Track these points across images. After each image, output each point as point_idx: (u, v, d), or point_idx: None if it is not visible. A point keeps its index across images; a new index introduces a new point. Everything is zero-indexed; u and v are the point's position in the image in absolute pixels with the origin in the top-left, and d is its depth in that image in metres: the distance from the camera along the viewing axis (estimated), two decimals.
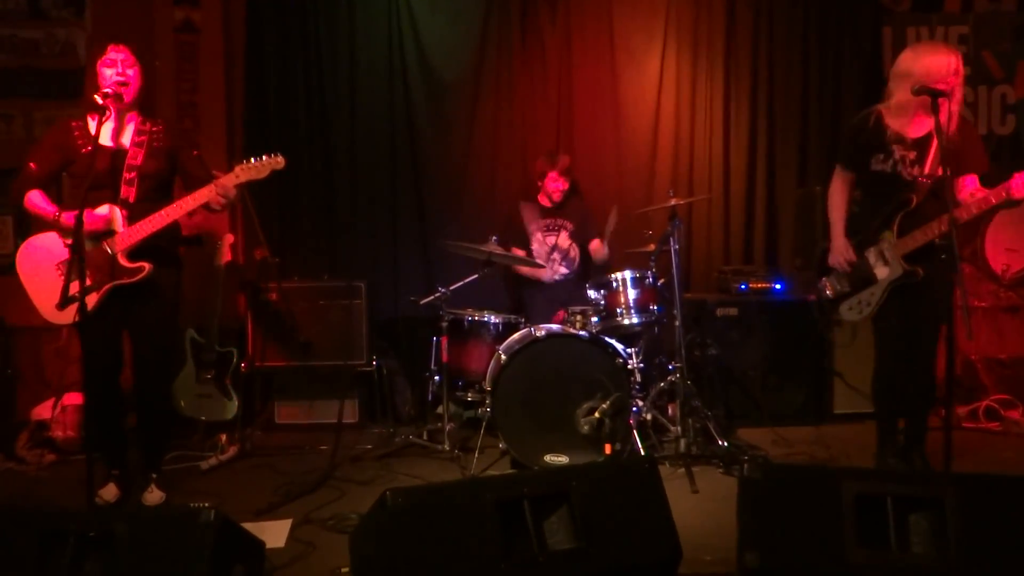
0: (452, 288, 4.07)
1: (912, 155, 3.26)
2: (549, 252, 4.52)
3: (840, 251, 3.43)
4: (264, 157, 3.22)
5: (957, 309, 3.11)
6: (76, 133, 3.23)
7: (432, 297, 4.07)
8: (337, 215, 4.98)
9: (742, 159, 5.06)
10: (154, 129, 3.31)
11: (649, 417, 3.89)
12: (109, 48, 3.19)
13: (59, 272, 3.16)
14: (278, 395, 4.65)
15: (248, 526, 2.70)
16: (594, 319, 3.92)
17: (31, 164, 3.25)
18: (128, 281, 3.16)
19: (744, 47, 5.03)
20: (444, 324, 4.03)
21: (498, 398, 3.63)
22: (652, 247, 4.06)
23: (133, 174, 3.20)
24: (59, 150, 3.24)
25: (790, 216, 5.04)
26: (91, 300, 3.08)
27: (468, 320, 4.09)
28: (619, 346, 3.83)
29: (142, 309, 3.26)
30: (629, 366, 3.76)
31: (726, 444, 3.79)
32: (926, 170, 3.23)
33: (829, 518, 2.05)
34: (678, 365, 3.85)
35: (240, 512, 3.08)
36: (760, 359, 4.49)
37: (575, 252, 4.63)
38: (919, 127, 3.27)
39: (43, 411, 4.24)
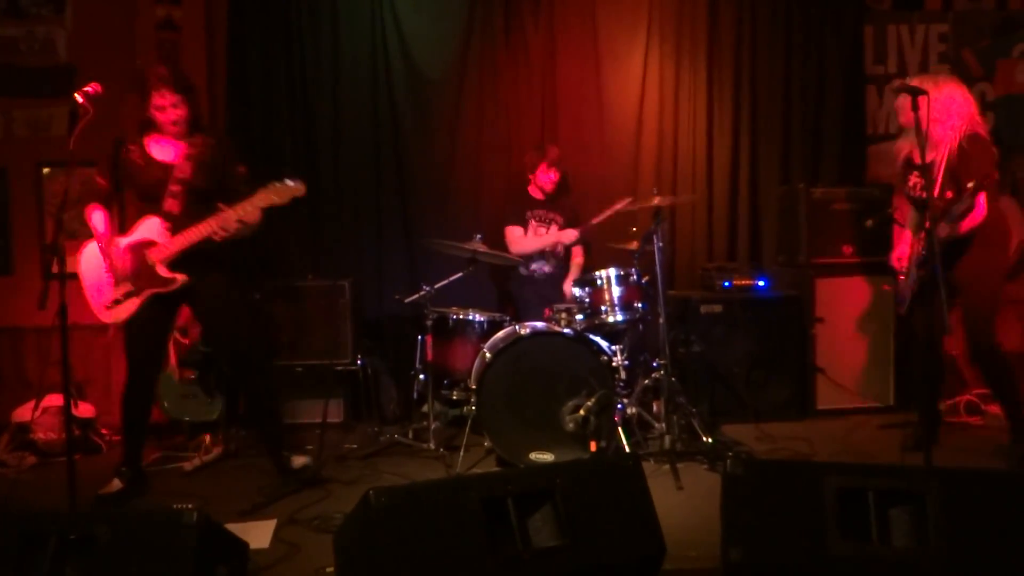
0: (437, 286, 4.07)
1: (921, 180, 3.51)
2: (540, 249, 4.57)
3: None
4: (287, 181, 3.32)
5: (939, 307, 3.16)
6: (131, 145, 3.37)
7: (417, 295, 4.06)
8: (321, 213, 4.96)
9: (725, 156, 5.08)
10: (205, 143, 3.44)
11: (634, 414, 3.90)
12: (153, 95, 3.31)
13: (110, 275, 3.36)
14: None
15: (232, 527, 2.68)
16: (579, 317, 3.93)
17: (99, 179, 3.42)
18: (163, 290, 3.34)
19: (727, 45, 5.05)
20: (429, 322, 4.03)
21: (483, 396, 3.63)
22: (636, 244, 4.08)
23: (179, 187, 3.34)
24: (113, 163, 3.37)
25: (773, 213, 5.06)
26: (132, 305, 3.35)
27: (453, 318, 4.09)
28: (604, 343, 3.84)
29: (201, 313, 3.57)
30: (614, 363, 3.77)
31: (710, 440, 3.80)
32: (935, 192, 3.48)
33: (811, 512, 2.06)
34: (663, 362, 3.86)
35: (224, 513, 3.06)
36: (744, 356, 4.51)
37: (561, 248, 4.66)
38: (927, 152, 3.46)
39: (24, 413, 4.19)
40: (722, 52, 5.05)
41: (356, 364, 4.53)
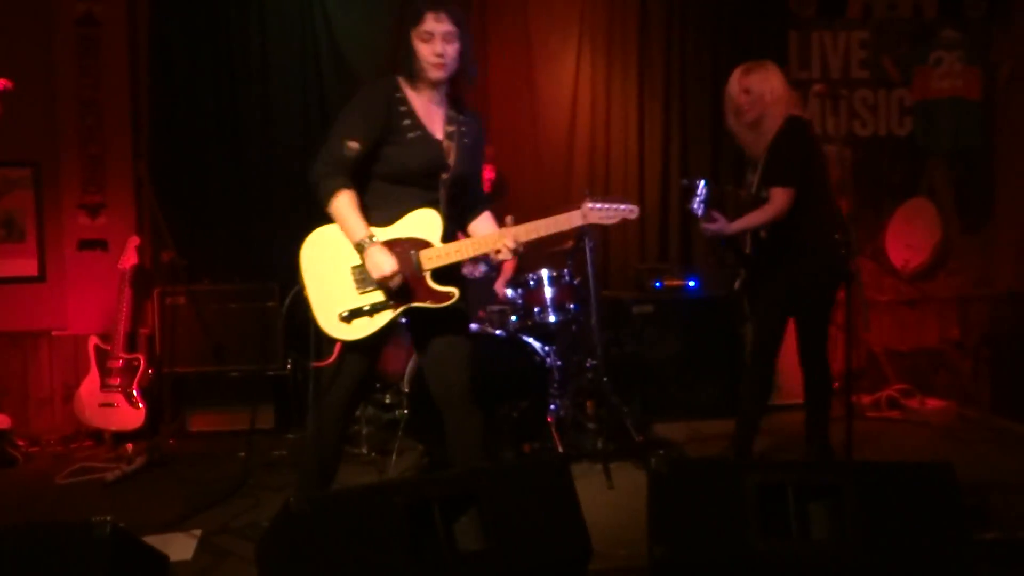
0: None
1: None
2: None
3: None
4: (620, 205, 2.54)
5: (857, 302, 3.26)
6: (400, 107, 2.49)
7: None
8: (250, 214, 4.84)
9: (656, 158, 5.15)
10: (463, 119, 2.61)
11: (567, 414, 3.92)
12: (427, 16, 2.47)
13: (353, 277, 2.51)
14: (190, 402, 4.50)
15: (153, 539, 2.61)
16: (512, 318, 3.93)
17: (350, 141, 2.44)
18: (433, 306, 2.50)
19: (657, 48, 5.12)
20: None
21: (416, 399, 3.59)
22: (569, 245, 4.10)
23: (447, 175, 2.53)
24: (378, 125, 2.48)
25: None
26: (381, 320, 2.50)
27: None
28: (537, 344, 3.85)
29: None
30: (547, 364, 3.78)
31: (642, 440, 3.84)
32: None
33: (733, 509, 2.09)
34: (595, 362, 3.88)
35: (146, 525, 2.97)
36: (675, 355, 4.58)
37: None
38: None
39: None
40: (652, 55, 5.12)
41: (287, 369, 4.44)
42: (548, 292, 3.94)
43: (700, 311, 4.65)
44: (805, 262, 3.30)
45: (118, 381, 4.26)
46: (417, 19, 2.48)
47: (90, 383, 4.30)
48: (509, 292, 4.04)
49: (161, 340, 4.50)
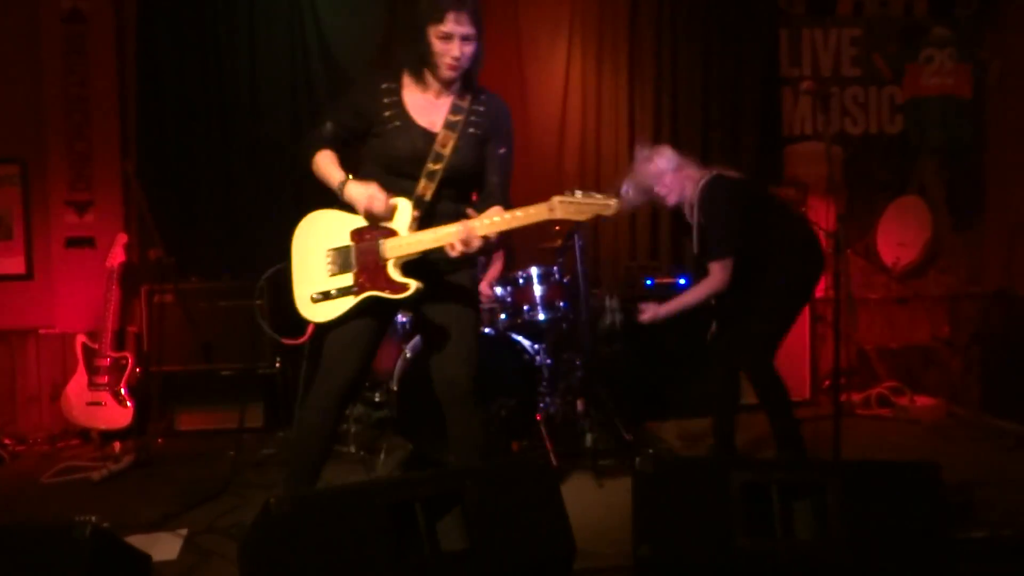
0: None
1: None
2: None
3: None
4: (595, 195, 2.32)
5: (843, 301, 3.27)
6: (384, 99, 2.55)
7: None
8: (238, 212, 4.82)
9: None
10: (474, 108, 2.56)
11: (557, 412, 3.91)
12: (449, 16, 2.41)
13: (327, 259, 2.55)
14: (178, 401, 4.47)
15: (138, 539, 2.61)
16: (501, 316, 3.92)
17: (328, 123, 2.63)
18: (390, 296, 2.47)
19: (647, 47, 5.10)
20: None
21: (404, 397, 3.58)
22: (559, 243, 4.08)
23: (439, 166, 2.51)
24: (359, 114, 2.58)
25: None
26: (343, 305, 2.52)
27: None
28: (526, 343, 3.84)
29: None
30: (536, 363, 3.77)
31: (632, 438, 3.84)
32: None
33: (718, 508, 2.09)
34: (585, 361, 3.87)
35: (131, 525, 2.96)
36: (666, 353, 4.56)
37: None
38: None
39: None
40: (643, 54, 5.11)
41: (275, 367, 4.42)
42: (538, 290, 3.93)
43: (690, 309, 4.62)
44: (776, 284, 3.33)
45: (106, 380, 4.24)
46: (438, 17, 2.43)
47: (77, 382, 4.28)
48: (498, 290, 4.03)
49: (149, 338, 4.48)
